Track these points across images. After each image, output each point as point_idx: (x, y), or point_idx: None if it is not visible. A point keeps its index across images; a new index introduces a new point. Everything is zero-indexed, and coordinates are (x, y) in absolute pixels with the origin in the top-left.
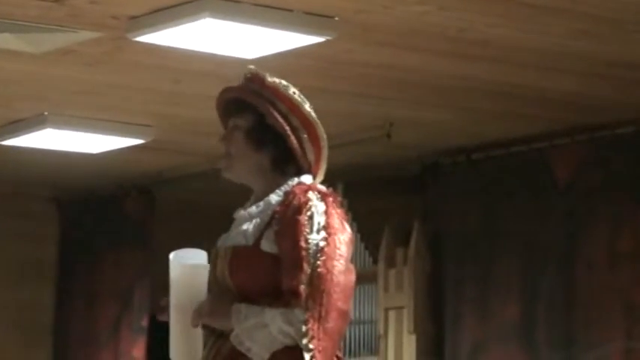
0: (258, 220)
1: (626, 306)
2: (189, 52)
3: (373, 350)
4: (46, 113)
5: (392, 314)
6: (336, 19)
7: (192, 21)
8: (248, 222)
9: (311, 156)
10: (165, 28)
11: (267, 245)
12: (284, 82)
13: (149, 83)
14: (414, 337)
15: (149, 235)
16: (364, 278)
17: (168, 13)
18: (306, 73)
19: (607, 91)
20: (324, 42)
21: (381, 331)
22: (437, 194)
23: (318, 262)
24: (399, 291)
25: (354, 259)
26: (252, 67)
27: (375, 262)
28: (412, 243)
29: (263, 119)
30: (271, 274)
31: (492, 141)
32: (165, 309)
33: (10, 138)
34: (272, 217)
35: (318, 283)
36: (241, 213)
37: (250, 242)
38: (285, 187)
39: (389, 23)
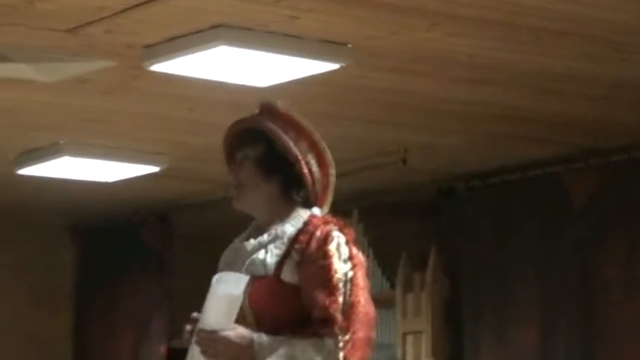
0: (274, 249)
1: None
2: (204, 81)
3: None
4: (62, 142)
5: (410, 339)
6: (349, 46)
7: (207, 49)
8: (262, 251)
9: (318, 185)
10: (180, 56)
11: (288, 276)
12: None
13: (164, 111)
14: None
15: (166, 262)
16: (382, 303)
17: (182, 41)
18: (320, 100)
19: (621, 114)
20: (338, 69)
21: (399, 356)
22: (453, 219)
23: (349, 292)
24: (416, 316)
25: (371, 284)
26: (264, 98)
27: (393, 287)
28: (429, 268)
29: (272, 148)
30: (292, 304)
31: (507, 165)
32: (187, 334)
33: (26, 167)
34: (291, 248)
35: (350, 312)
36: (251, 242)
37: (270, 272)
38: (298, 218)
39: (399, 50)
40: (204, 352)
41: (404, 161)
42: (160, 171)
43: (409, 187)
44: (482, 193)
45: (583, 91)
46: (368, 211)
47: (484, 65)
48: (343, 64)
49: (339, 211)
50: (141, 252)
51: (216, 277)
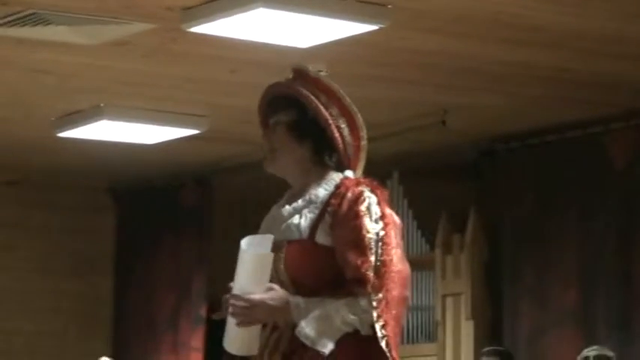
0: (308, 213)
1: None
2: (244, 42)
3: (431, 337)
4: (102, 105)
5: (449, 301)
6: (390, 6)
7: (246, 11)
8: (297, 216)
9: (350, 148)
10: (219, 18)
11: (322, 238)
12: (325, 74)
13: (204, 73)
14: (471, 323)
15: (206, 224)
16: (421, 265)
17: (221, 3)
18: (360, 61)
19: None
20: (378, 30)
21: (439, 318)
22: (493, 180)
23: (380, 251)
24: (456, 277)
25: (410, 245)
26: (295, 63)
27: (432, 248)
28: (468, 229)
29: (304, 113)
30: (327, 266)
31: (547, 126)
32: (223, 307)
33: (66, 130)
34: (324, 211)
35: (383, 271)
36: (286, 208)
37: (305, 235)
38: (331, 181)
39: (442, 10)
40: (239, 324)
41: (443, 122)
42: (201, 133)
43: (449, 148)
44: (522, 154)
45: (625, 52)
46: (408, 173)
47: (526, 26)
48: (383, 25)
49: (379, 172)
50: (181, 215)
51: (242, 243)
